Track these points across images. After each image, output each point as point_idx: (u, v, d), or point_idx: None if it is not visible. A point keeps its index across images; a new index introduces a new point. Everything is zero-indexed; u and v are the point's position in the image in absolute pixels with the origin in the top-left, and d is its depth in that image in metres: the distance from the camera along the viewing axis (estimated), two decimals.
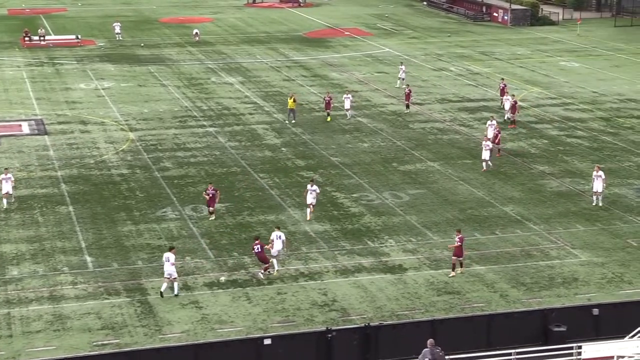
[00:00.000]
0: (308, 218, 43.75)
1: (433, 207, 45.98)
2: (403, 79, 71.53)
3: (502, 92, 65.43)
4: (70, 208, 45.53)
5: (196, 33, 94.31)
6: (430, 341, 28.97)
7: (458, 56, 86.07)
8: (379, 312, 34.76)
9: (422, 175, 51.06)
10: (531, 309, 34.11)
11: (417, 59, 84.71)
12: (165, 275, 35.94)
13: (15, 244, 41.06)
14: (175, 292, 35.85)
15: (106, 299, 35.74)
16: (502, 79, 69.19)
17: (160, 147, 55.92)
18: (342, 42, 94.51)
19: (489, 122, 55.70)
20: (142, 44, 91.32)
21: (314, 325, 33.55)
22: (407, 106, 64.60)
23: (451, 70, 79.63)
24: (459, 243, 37.76)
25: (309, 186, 44.08)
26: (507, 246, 41.21)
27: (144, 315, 34.35)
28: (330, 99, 62.38)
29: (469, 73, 78.55)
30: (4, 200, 45.09)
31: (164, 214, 44.91)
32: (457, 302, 35.66)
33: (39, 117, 62.95)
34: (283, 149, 55.94)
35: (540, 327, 32.38)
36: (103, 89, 71.65)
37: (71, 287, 36.73)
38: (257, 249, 37.34)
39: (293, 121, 61.22)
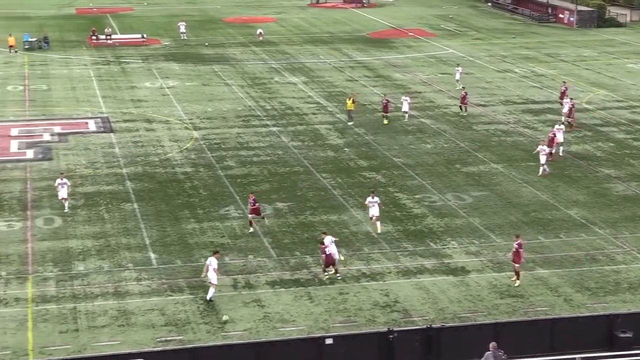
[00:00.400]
0: (379, 230, 42.49)
1: (496, 210, 45.62)
2: (458, 81, 71.13)
3: (563, 95, 64.59)
4: (135, 205, 46.09)
5: (260, 33, 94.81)
6: (492, 344, 28.78)
7: (523, 58, 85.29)
8: (441, 313, 34.59)
9: (485, 177, 50.69)
10: (596, 313, 33.67)
11: (481, 60, 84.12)
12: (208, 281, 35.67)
13: (82, 240, 41.69)
14: (208, 297, 35.33)
15: (170, 295, 36.10)
16: (564, 82, 68.38)
17: (223, 146, 56.33)
18: (405, 42, 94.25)
19: (556, 126, 54.90)
20: (207, 44, 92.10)
21: (375, 325, 33.51)
22: (464, 109, 63.88)
23: (516, 72, 78.91)
24: (518, 249, 37.05)
25: (369, 198, 42.77)
26: (571, 250, 40.71)
27: (207, 313, 34.61)
28: (388, 102, 62.13)
29: (533, 75, 77.76)
30: (65, 204, 45.42)
31: (227, 212, 45.21)
32: (520, 305, 35.33)
33: (105, 115, 63.85)
34: (346, 149, 55.94)
35: (605, 332, 31.91)
36: (168, 87, 72.43)
37: (135, 283, 37.19)
38: (328, 251, 37.35)
39: (351, 122, 61.03)
